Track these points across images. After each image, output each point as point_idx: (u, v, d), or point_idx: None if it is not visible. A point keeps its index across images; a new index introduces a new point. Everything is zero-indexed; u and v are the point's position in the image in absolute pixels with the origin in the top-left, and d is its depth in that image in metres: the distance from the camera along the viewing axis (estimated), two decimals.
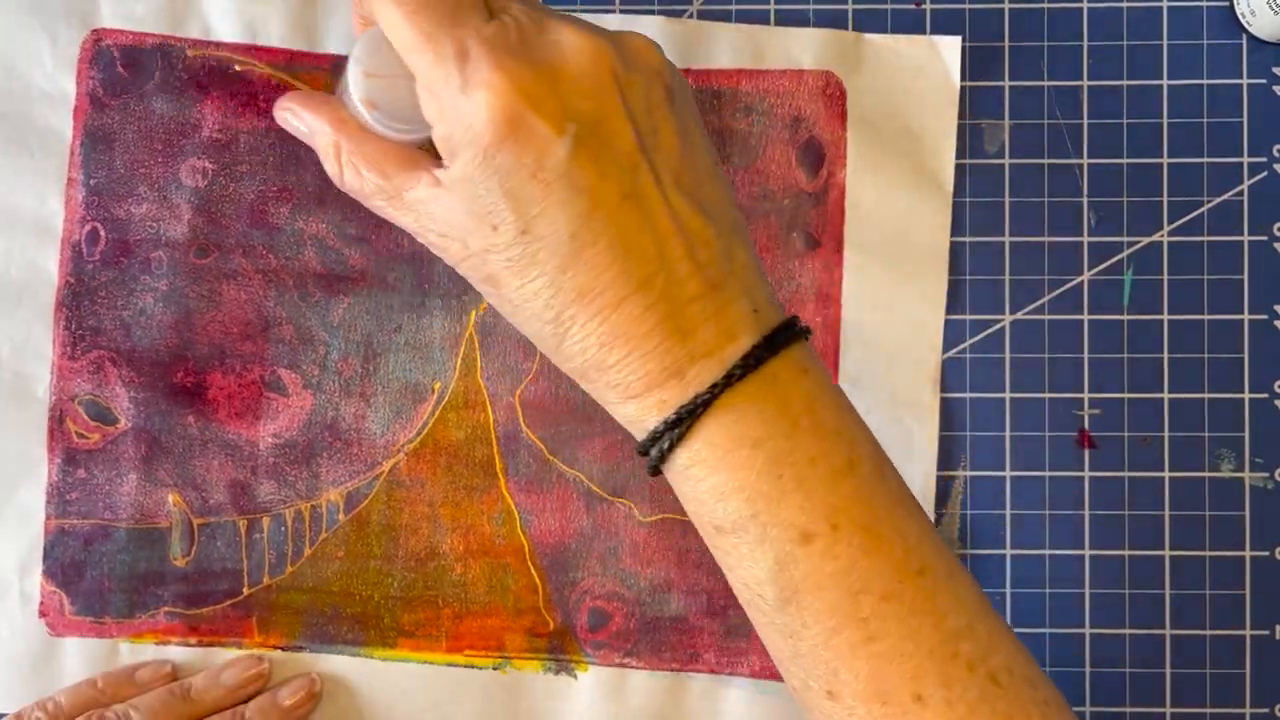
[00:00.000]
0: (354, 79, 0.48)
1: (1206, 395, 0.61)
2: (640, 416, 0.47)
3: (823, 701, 0.47)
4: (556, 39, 0.46)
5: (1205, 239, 0.61)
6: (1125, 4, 0.62)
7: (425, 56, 0.45)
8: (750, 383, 0.46)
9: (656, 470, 0.48)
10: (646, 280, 0.46)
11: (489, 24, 0.46)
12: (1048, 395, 0.61)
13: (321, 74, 0.61)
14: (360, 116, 0.49)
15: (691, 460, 0.47)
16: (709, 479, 0.47)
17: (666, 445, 0.47)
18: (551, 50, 0.46)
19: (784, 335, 0.47)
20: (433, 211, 0.47)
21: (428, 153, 0.48)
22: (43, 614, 0.61)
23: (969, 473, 0.61)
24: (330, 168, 0.50)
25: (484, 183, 0.45)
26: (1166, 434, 0.61)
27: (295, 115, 0.51)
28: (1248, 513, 0.61)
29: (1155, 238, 0.61)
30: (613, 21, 0.61)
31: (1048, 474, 0.61)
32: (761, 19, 0.62)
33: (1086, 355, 0.61)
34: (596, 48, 0.46)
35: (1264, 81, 0.61)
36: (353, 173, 0.49)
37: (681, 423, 0.46)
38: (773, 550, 0.46)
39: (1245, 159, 0.61)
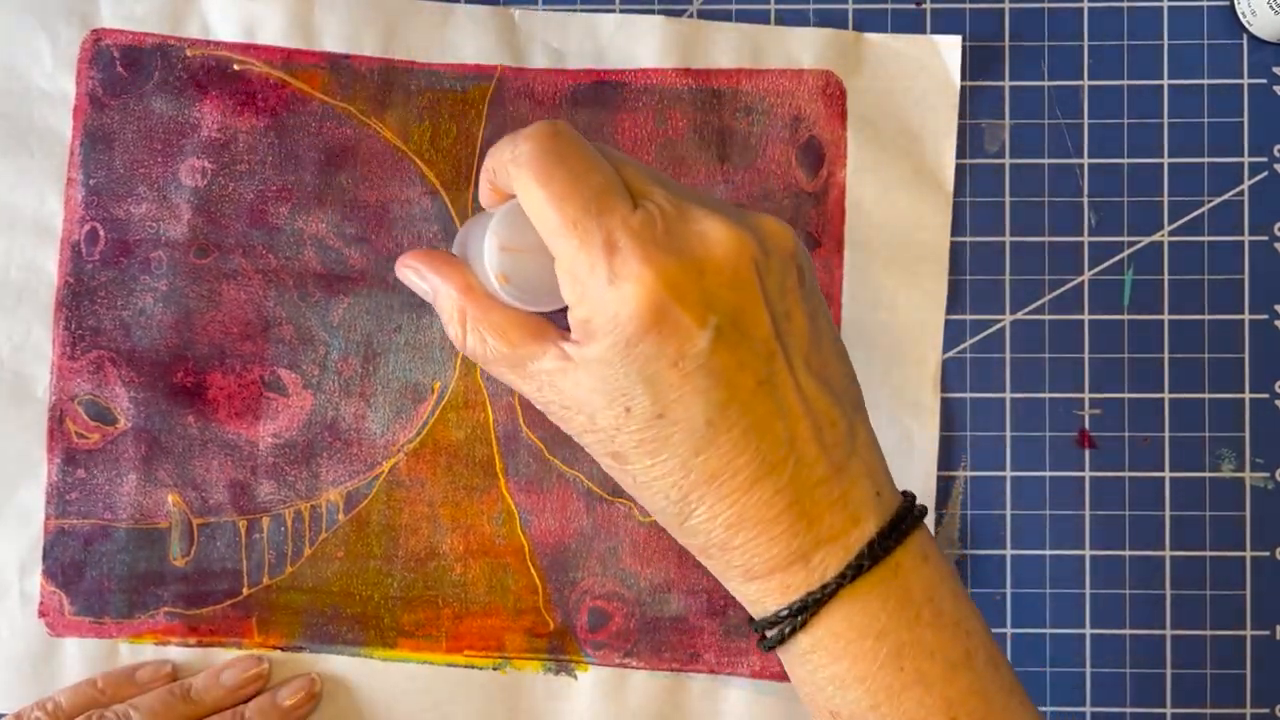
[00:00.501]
0: (489, 252, 0.48)
1: (1206, 395, 0.61)
2: (761, 598, 0.48)
3: None
4: (701, 230, 0.46)
5: (1205, 239, 0.61)
6: (1125, 4, 0.62)
7: (571, 243, 0.45)
8: (875, 572, 0.47)
9: (771, 649, 0.48)
10: (777, 465, 0.46)
11: (635, 214, 0.46)
12: (1048, 395, 0.61)
13: (318, 71, 0.61)
14: (490, 287, 0.48)
15: (813, 647, 0.47)
16: (830, 667, 0.47)
17: (789, 630, 0.47)
18: (696, 241, 0.46)
19: (906, 520, 0.48)
20: (559, 385, 0.47)
21: (555, 322, 0.48)
22: (42, 614, 0.61)
23: (969, 473, 0.61)
24: (453, 331, 0.49)
25: (622, 368, 0.45)
26: (1166, 434, 0.61)
27: (420, 275, 0.51)
28: (1248, 513, 0.61)
29: (1155, 238, 0.61)
30: (612, 21, 0.61)
31: (1048, 474, 0.61)
32: (761, 19, 0.62)
33: (1086, 355, 0.61)
34: (740, 239, 0.46)
35: (1264, 81, 0.61)
36: (477, 339, 0.49)
37: (807, 609, 0.47)
38: None
39: (1245, 159, 0.61)
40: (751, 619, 0.49)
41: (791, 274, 0.47)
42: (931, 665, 0.47)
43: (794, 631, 0.47)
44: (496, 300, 0.49)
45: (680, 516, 0.47)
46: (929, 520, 0.55)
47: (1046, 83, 0.61)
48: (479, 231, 0.49)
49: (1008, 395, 0.61)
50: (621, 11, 0.62)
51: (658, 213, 0.46)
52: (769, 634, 0.48)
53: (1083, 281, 0.61)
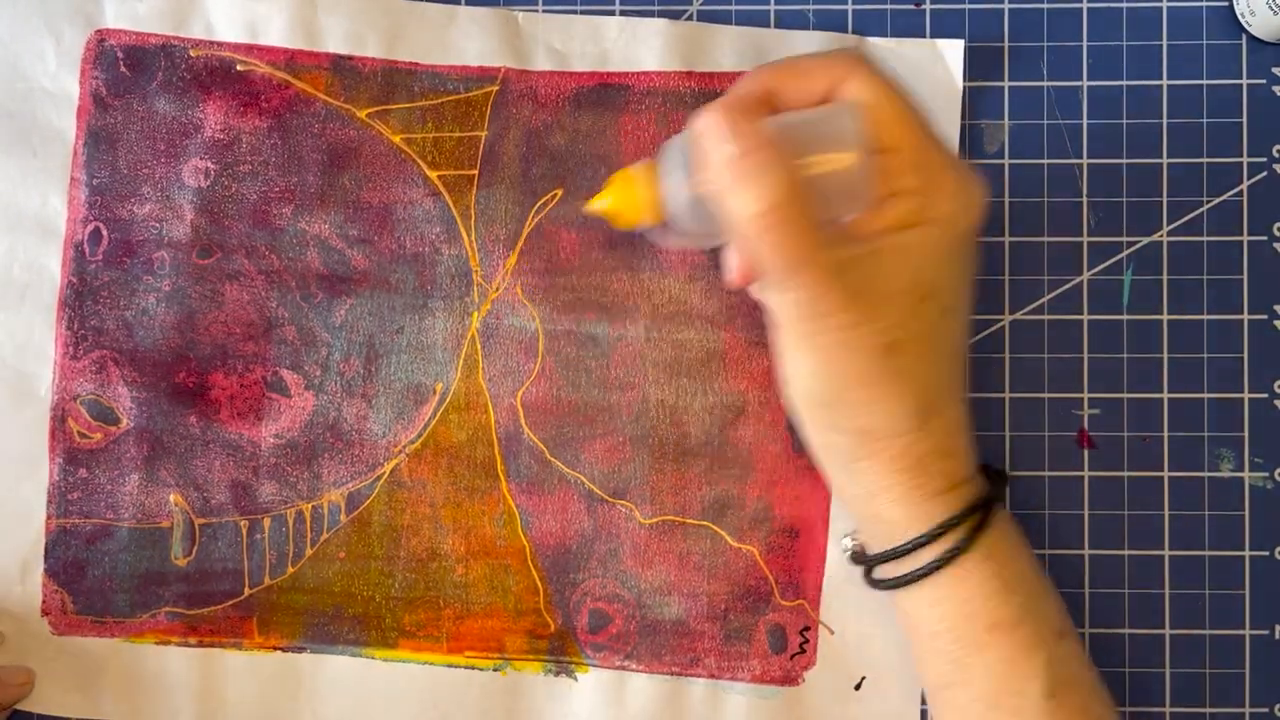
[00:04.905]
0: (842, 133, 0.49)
1: (1206, 395, 0.61)
2: (949, 507, 0.52)
3: None
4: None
5: (1205, 239, 0.61)
6: (1125, 4, 0.62)
7: (929, 140, 0.50)
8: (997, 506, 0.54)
9: (944, 564, 0.52)
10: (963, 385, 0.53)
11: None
12: (1047, 395, 0.61)
13: (322, 73, 0.62)
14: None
15: (990, 552, 0.52)
16: (1005, 570, 0.52)
17: (978, 526, 0.52)
18: None
19: (1002, 477, 0.56)
20: (851, 273, 0.48)
21: None
22: (45, 613, 0.61)
23: None
24: (755, 211, 0.48)
25: (947, 255, 0.51)
26: (1166, 434, 0.61)
27: (742, 141, 0.48)
28: (1247, 512, 0.61)
29: (1155, 238, 0.61)
30: (615, 24, 0.62)
31: (1047, 474, 0.61)
32: (761, 19, 0.62)
33: (1086, 355, 0.61)
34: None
35: (1264, 81, 0.61)
36: (794, 225, 0.48)
37: (988, 507, 0.52)
38: (1044, 645, 0.52)
39: (1245, 159, 0.61)
40: (937, 524, 0.52)
41: None
42: (1051, 580, 0.54)
43: (980, 529, 0.52)
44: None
45: (927, 415, 0.51)
46: None
47: (1046, 83, 0.62)
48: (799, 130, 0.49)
49: (1007, 395, 0.61)
50: (621, 13, 0.62)
51: None
52: (951, 542, 0.52)
53: (1082, 281, 0.61)
